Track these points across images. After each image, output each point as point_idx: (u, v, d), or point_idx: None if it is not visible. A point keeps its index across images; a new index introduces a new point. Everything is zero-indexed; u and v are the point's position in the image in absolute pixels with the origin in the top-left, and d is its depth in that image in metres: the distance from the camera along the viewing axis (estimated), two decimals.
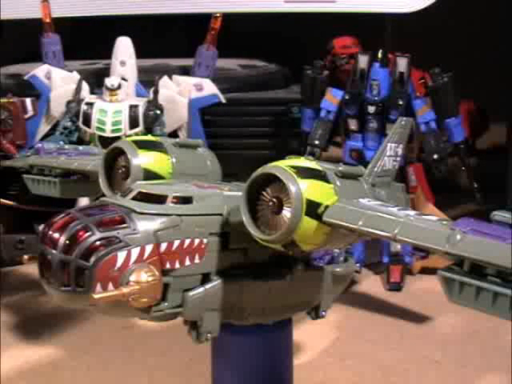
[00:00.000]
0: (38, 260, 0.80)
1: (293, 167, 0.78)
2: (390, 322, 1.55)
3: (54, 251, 0.77)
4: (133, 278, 0.77)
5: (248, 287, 0.88)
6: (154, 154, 0.95)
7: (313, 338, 1.42)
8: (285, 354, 0.98)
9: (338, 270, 0.98)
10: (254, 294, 0.89)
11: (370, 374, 1.33)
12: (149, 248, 0.79)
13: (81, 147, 1.32)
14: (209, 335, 0.87)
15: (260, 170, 0.80)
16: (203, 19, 1.88)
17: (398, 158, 1.04)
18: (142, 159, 0.94)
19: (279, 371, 0.97)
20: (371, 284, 1.74)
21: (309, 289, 0.95)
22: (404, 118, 1.07)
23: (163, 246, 0.80)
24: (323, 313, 0.98)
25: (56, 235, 0.78)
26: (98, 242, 0.77)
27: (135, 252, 0.78)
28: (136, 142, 0.96)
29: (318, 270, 0.95)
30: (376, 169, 0.98)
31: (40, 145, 1.34)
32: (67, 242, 0.77)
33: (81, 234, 0.77)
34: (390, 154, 1.02)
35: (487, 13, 2.53)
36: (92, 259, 0.76)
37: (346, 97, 1.72)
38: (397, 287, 1.71)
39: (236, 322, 0.91)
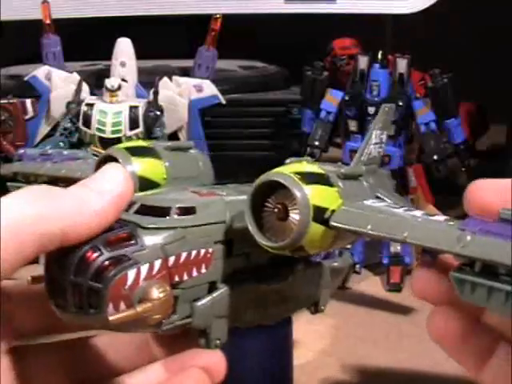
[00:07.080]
0: (44, 282, 0.77)
1: (297, 173, 0.77)
2: (389, 323, 1.55)
3: (63, 274, 0.75)
4: (144, 295, 0.75)
5: (251, 290, 0.88)
6: (148, 160, 0.93)
7: (313, 338, 1.42)
8: (285, 354, 0.98)
9: (336, 264, 0.98)
10: (257, 297, 0.88)
11: (369, 374, 1.33)
12: (157, 263, 0.76)
13: (65, 151, 1.28)
14: (218, 341, 0.86)
15: (263, 178, 0.79)
16: (203, 20, 1.88)
17: (383, 145, 1.04)
18: (136, 166, 0.91)
19: (279, 371, 0.97)
20: (371, 285, 1.74)
21: (309, 285, 0.95)
22: (387, 105, 1.07)
23: (171, 259, 0.78)
24: (322, 307, 0.98)
25: (64, 257, 0.75)
26: (107, 262, 0.74)
27: (144, 269, 0.75)
28: (128, 149, 0.93)
29: (317, 267, 0.95)
30: (363, 157, 0.98)
31: (22, 151, 1.32)
32: (76, 263, 0.74)
33: (89, 254, 0.74)
34: (375, 141, 1.02)
35: (487, 13, 2.53)
36: (103, 280, 0.73)
37: (346, 98, 1.72)
38: (397, 288, 1.71)
39: (240, 326, 0.90)
